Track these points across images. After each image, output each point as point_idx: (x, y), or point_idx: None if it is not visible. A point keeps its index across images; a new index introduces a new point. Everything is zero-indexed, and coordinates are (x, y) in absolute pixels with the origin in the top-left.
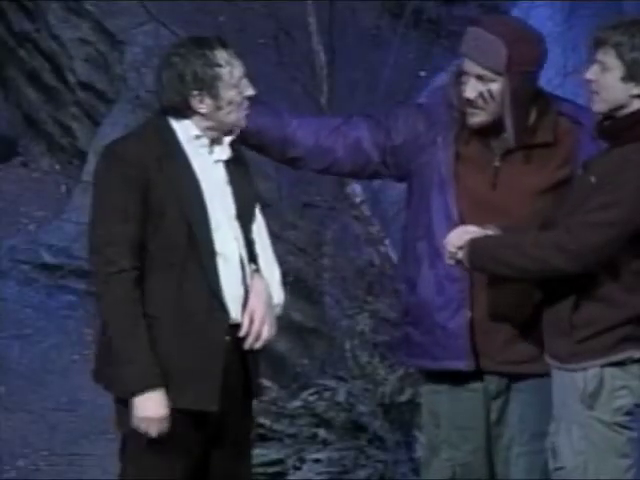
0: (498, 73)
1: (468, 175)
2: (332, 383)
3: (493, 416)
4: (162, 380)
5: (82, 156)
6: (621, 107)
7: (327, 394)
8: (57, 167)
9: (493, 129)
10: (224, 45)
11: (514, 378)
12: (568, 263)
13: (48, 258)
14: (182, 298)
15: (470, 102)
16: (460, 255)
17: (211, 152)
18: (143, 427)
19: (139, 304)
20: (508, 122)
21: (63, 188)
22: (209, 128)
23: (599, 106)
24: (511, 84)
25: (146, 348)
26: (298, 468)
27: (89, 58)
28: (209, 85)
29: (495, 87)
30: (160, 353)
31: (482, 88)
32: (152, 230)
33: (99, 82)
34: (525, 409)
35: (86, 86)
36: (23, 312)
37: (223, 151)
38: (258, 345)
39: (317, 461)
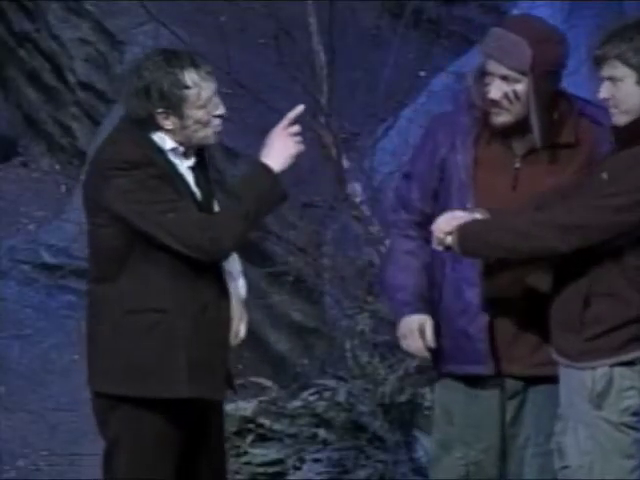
0: (523, 73)
1: (488, 178)
2: (332, 383)
3: (509, 416)
4: None
5: (82, 156)
6: None
7: (327, 394)
8: (57, 167)
9: (516, 130)
10: (196, 65)
11: (532, 379)
12: (560, 239)
13: (48, 258)
14: (196, 292)
15: (495, 103)
16: (449, 241)
17: (182, 161)
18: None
19: None
20: (534, 122)
21: (63, 188)
22: (178, 142)
23: (621, 119)
24: (536, 84)
25: None
26: (298, 468)
27: (89, 58)
28: (174, 105)
29: (520, 87)
30: (173, 345)
31: (507, 89)
32: None
33: (99, 82)
34: (542, 410)
35: (86, 86)
36: (23, 312)
37: (191, 159)
38: (235, 343)
39: (317, 461)
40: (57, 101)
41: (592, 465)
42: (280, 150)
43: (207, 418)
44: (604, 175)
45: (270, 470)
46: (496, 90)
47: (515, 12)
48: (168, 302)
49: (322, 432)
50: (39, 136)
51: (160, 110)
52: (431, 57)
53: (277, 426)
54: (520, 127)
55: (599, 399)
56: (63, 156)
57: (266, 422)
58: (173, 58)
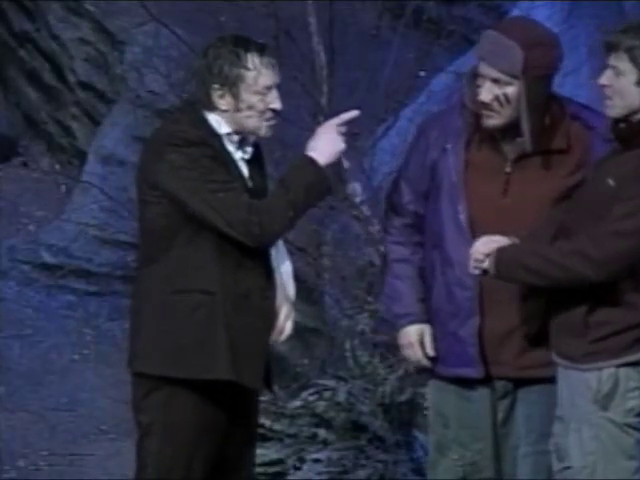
0: (514, 77)
1: (478, 182)
2: (332, 383)
3: (500, 416)
4: None
5: (82, 156)
6: (636, 111)
7: (327, 394)
8: (57, 167)
9: (507, 133)
10: (261, 51)
11: (523, 381)
12: (594, 272)
13: (48, 258)
14: (240, 276)
15: (485, 105)
16: (486, 264)
17: (236, 150)
18: None
19: None
20: (525, 126)
21: (63, 188)
22: (232, 129)
23: (614, 111)
24: (527, 88)
25: None
26: (298, 468)
27: (89, 58)
28: (231, 83)
29: (511, 91)
30: (215, 327)
31: (498, 91)
32: None
33: (99, 82)
34: (532, 409)
35: (86, 86)
36: (23, 312)
37: (247, 151)
38: (281, 339)
39: (317, 461)
40: (57, 101)
41: (595, 466)
42: (328, 145)
43: (243, 409)
44: (610, 181)
45: (270, 470)
46: (487, 92)
47: (515, 12)
48: (215, 285)
49: (322, 432)
50: (39, 136)
51: (216, 86)
52: (431, 57)
53: (277, 426)
54: (511, 131)
55: (605, 400)
56: (63, 156)
57: (266, 422)
58: (241, 41)
